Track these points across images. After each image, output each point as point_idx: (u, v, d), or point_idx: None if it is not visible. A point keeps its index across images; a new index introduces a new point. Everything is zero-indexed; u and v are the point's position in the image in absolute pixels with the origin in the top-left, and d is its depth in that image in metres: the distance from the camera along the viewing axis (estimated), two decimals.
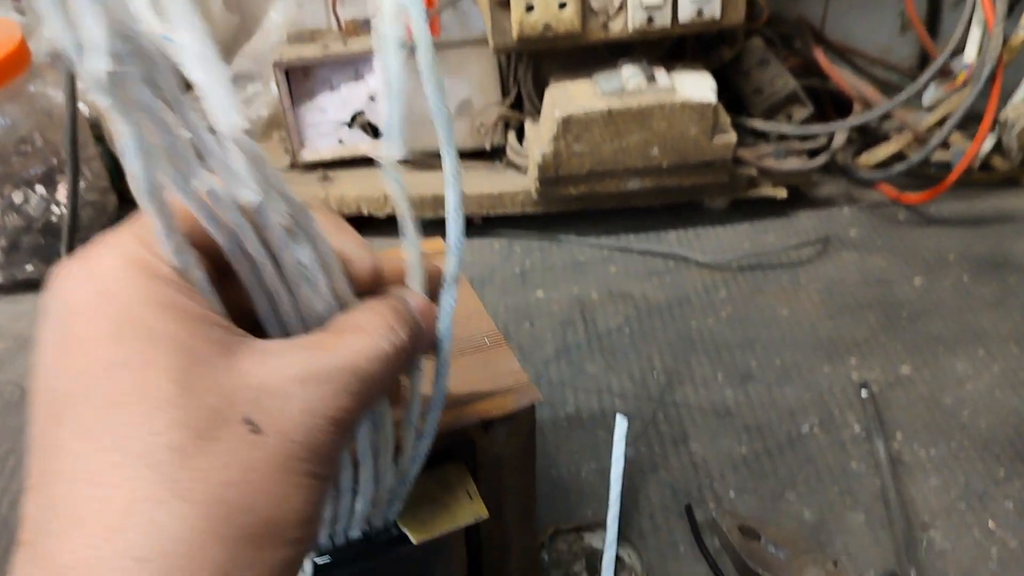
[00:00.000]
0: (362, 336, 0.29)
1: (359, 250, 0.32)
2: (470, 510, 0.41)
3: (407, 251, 0.33)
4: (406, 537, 0.39)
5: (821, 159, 0.87)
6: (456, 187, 0.33)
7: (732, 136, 0.82)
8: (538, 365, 0.73)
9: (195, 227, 0.26)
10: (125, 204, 0.91)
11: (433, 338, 0.34)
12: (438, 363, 0.35)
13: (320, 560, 0.38)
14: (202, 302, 0.26)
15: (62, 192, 0.83)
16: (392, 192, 0.31)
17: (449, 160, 0.31)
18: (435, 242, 0.54)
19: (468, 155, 0.90)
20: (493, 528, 0.47)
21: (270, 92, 0.91)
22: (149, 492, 0.23)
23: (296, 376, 0.26)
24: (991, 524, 0.58)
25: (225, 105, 0.24)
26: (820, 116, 0.92)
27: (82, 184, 0.85)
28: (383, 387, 0.30)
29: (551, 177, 0.82)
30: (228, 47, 0.95)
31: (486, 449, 0.43)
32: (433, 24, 0.88)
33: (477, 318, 0.48)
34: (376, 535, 0.39)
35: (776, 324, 0.77)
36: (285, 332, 0.30)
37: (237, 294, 0.28)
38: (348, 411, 0.27)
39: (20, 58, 0.80)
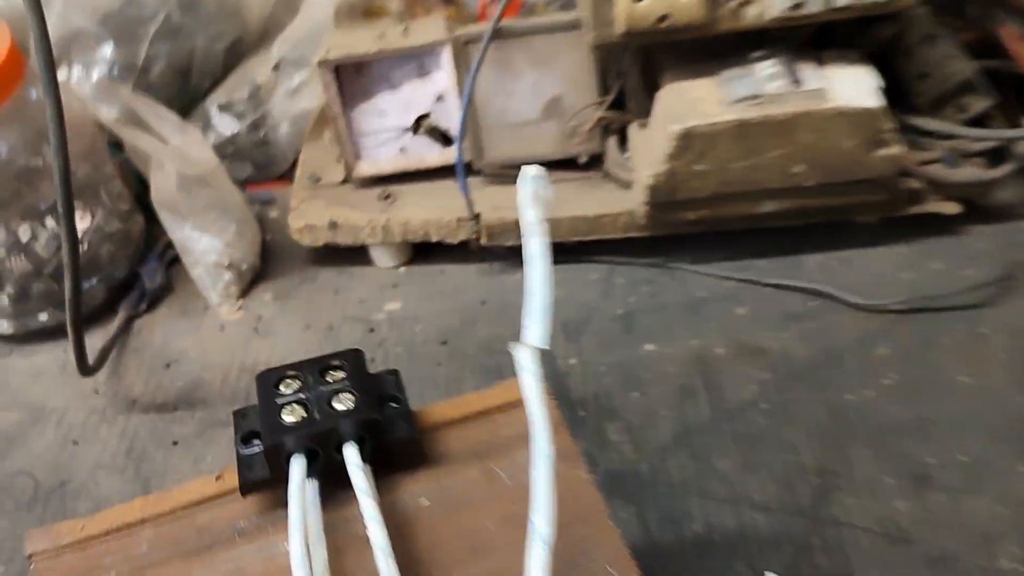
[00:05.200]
0: None
1: None
2: None
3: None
4: None
5: (1008, 168, 0.68)
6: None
7: (900, 148, 0.64)
8: (652, 456, 0.58)
9: None
10: (152, 225, 0.77)
11: None
12: None
13: None
14: None
15: (80, 223, 0.69)
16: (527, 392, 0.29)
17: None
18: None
19: (556, 164, 0.73)
20: None
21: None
22: None
23: None
24: None
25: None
26: (1003, 107, 0.73)
27: (99, 215, 0.71)
28: None
29: (665, 202, 0.66)
30: (268, 30, 0.79)
31: None
32: (513, 2, 0.70)
33: (591, 525, 0.34)
34: None
35: (954, 397, 0.60)
36: None
37: None
38: None
39: (12, 67, 0.66)
